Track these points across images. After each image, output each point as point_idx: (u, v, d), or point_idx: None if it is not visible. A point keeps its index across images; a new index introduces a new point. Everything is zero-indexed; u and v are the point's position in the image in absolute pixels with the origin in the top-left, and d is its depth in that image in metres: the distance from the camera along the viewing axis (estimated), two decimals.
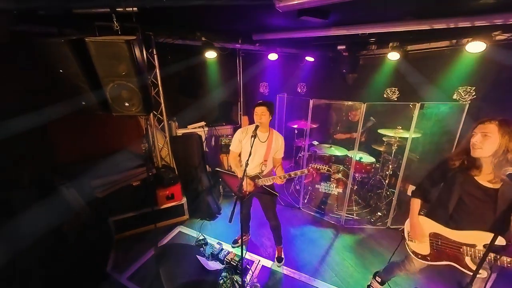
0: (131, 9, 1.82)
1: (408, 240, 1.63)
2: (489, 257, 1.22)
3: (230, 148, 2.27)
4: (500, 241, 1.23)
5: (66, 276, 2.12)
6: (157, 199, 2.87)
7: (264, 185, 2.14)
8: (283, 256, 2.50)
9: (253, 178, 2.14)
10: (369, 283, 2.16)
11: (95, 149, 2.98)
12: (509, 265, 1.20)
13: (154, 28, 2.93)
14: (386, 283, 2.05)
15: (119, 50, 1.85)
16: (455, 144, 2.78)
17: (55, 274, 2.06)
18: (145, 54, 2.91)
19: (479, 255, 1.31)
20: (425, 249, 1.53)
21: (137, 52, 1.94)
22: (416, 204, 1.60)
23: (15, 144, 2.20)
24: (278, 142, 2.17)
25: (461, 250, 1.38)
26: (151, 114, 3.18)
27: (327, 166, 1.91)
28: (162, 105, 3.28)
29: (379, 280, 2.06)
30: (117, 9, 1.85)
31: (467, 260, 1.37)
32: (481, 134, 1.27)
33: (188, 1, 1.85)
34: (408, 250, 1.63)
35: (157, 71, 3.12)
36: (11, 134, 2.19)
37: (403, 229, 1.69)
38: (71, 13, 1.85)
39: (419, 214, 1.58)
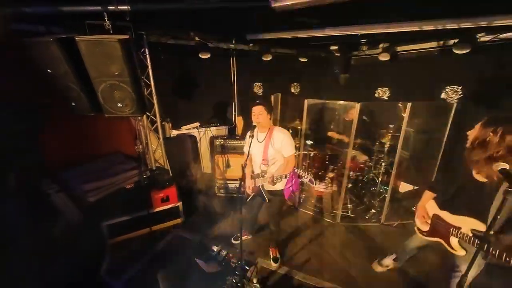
0: (125, 7, 1.77)
1: (416, 217, 1.90)
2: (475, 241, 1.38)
3: (243, 150, 2.35)
4: (481, 226, 1.39)
5: (59, 284, 2.03)
6: (152, 201, 2.80)
7: (261, 186, 2.13)
8: (278, 256, 2.51)
9: (254, 178, 2.13)
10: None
11: (86, 152, 2.89)
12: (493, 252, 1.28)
13: (147, 27, 2.87)
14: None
15: (111, 49, 1.80)
16: (444, 142, 2.90)
17: (47, 282, 1.97)
18: (138, 54, 2.85)
19: (460, 236, 1.50)
20: (425, 226, 1.81)
21: (130, 51, 1.89)
22: (428, 194, 1.84)
23: (1, 147, 2.10)
24: (280, 139, 2.02)
25: (449, 230, 1.57)
26: (144, 115, 3.11)
27: (310, 175, 1.90)
28: (155, 105, 3.22)
29: (396, 255, 2.26)
30: (108, 8, 1.80)
31: (452, 239, 1.58)
32: None
33: (183, 4, 1.83)
34: (415, 226, 1.92)
35: (150, 71, 3.05)
36: None
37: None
38: (60, 11, 1.78)
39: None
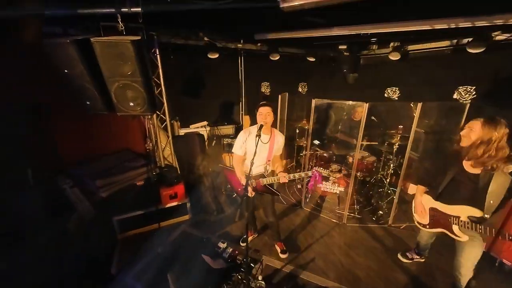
0: (138, 9, 1.82)
1: (414, 213, 2.06)
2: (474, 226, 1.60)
3: (233, 150, 2.24)
4: (477, 213, 1.61)
5: (70, 277, 2.13)
6: (160, 198, 2.88)
7: (267, 184, 2.16)
8: (285, 248, 2.56)
9: (257, 177, 2.15)
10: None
11: (98, 149, 2.99)
12: (481, 230, 1.54)
13: (157, 28, 2.94)
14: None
15: (124, 50, 1.86)
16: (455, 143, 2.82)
17: (59, 275, 2.07)
18: (149, 54, 2.92)
19: (461, 223, 1.68)
20: (425, 220, 1.96)
21: (142, 52, 1.95)
22: (420, 189, 1.98)
23: (19, 143, 2.21)
24: (279, 141, 2.21)
25: (449, 220, 1.75)
26: (154, 114, 3.19)
27: (331, 171, 2.00)
28: (165, 104, 3.29)
29: (417, 251, 2.42)
30: (122, 10, 1.85)
31: (454, 228, 1.74)
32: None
33: (194, 5, 1.86)
34: (415, 221, 2.07)
35: (160, 71, 3.13)
36: (15, 133, 2.20)
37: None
38: (77, 13, 1.85)
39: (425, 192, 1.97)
